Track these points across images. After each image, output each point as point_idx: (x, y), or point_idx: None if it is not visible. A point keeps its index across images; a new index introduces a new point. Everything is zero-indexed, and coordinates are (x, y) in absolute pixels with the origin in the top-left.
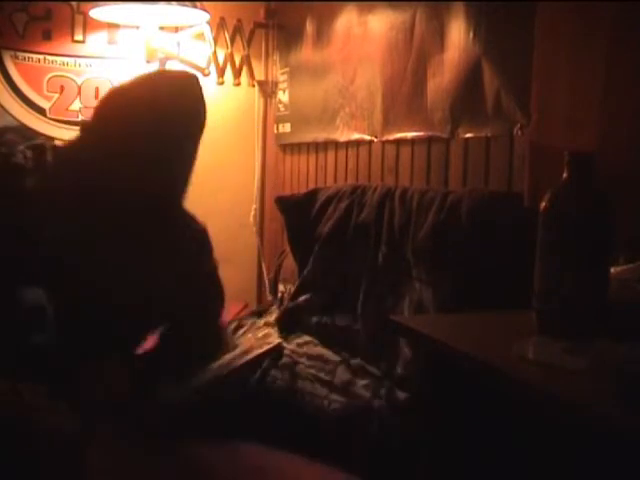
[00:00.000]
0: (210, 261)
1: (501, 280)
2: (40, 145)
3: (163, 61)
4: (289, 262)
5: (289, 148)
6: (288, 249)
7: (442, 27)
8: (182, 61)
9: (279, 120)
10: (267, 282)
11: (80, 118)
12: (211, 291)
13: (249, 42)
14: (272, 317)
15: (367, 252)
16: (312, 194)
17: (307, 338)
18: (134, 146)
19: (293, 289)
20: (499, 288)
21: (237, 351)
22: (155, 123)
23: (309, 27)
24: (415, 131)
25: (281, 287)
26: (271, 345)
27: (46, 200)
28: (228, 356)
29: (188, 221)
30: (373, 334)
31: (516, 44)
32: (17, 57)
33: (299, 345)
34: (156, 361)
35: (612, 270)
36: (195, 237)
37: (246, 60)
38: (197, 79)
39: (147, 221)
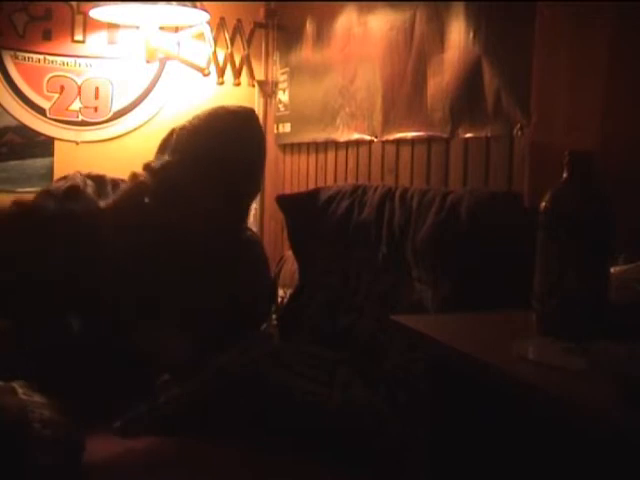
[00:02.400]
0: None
1: (501, 280)
2: (100, 177)
3: (163, 61)
4: (288, 267)
5: (289, 148)
6: (287, 255)
7: (442, 27)
8: (182, 61)
9: (279, 120)
10: None
11: (80, 118)
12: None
13: (249, 42)
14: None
15: (367, 252)
16: (313, 193)
17: (307, 338)
18: (215, 179)
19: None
20: (499, 288)
21: (235, 352)
22: (227, 155)
23: (309, 27)
24: (415, 131)
25: (280, 292)
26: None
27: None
28: (227, 356)
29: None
30: (373, 334)
31: (516, 44)
32: (17, 57)
33: (299, 344)
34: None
35: (612, 270)
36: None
37: (246, 60)
38: (254, 111)
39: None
